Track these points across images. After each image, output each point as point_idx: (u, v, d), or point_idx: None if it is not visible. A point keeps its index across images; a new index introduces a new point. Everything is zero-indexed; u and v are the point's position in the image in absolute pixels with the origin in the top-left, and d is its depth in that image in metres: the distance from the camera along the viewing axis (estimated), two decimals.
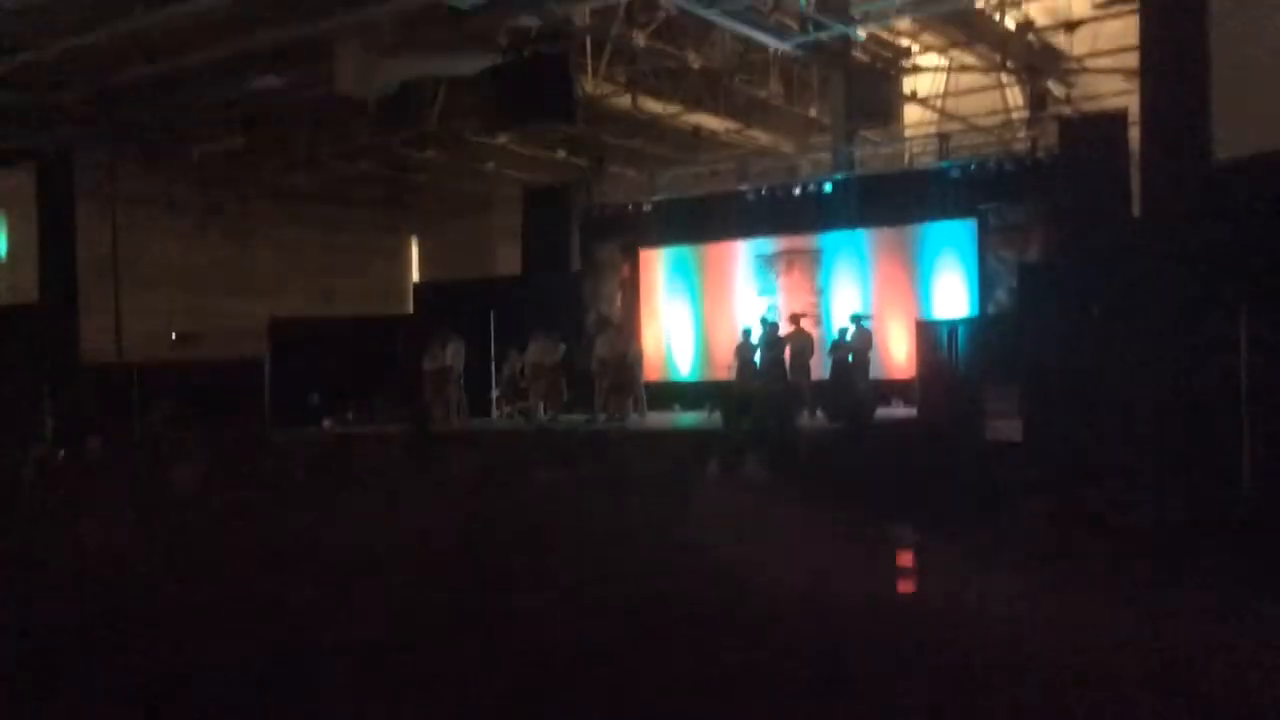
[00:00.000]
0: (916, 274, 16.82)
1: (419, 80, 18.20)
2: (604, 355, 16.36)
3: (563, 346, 16.61)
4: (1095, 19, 18.96)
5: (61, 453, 15.01)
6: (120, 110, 18.57)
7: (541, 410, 16.51)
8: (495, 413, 17.70)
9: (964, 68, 21.98)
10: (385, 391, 17.59)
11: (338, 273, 23.06)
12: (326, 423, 17.35)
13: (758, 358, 15.21)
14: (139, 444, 15.82)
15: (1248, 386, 9.78)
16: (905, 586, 7.75)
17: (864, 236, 17.30)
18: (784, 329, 15.46)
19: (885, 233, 17.19)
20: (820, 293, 17.41)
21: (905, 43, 20.92)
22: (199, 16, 14.70)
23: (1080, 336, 11.44)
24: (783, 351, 15.08)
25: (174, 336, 19.94)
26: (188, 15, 14.67)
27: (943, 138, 18.20)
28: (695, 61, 19.69)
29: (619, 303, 18.86)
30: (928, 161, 17.91)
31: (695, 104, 21.69)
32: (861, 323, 15.20)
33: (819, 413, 15.02)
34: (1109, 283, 11.62)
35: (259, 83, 17.95)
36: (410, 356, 17.41)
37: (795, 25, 17.53)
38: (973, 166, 16.55)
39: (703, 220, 18.49)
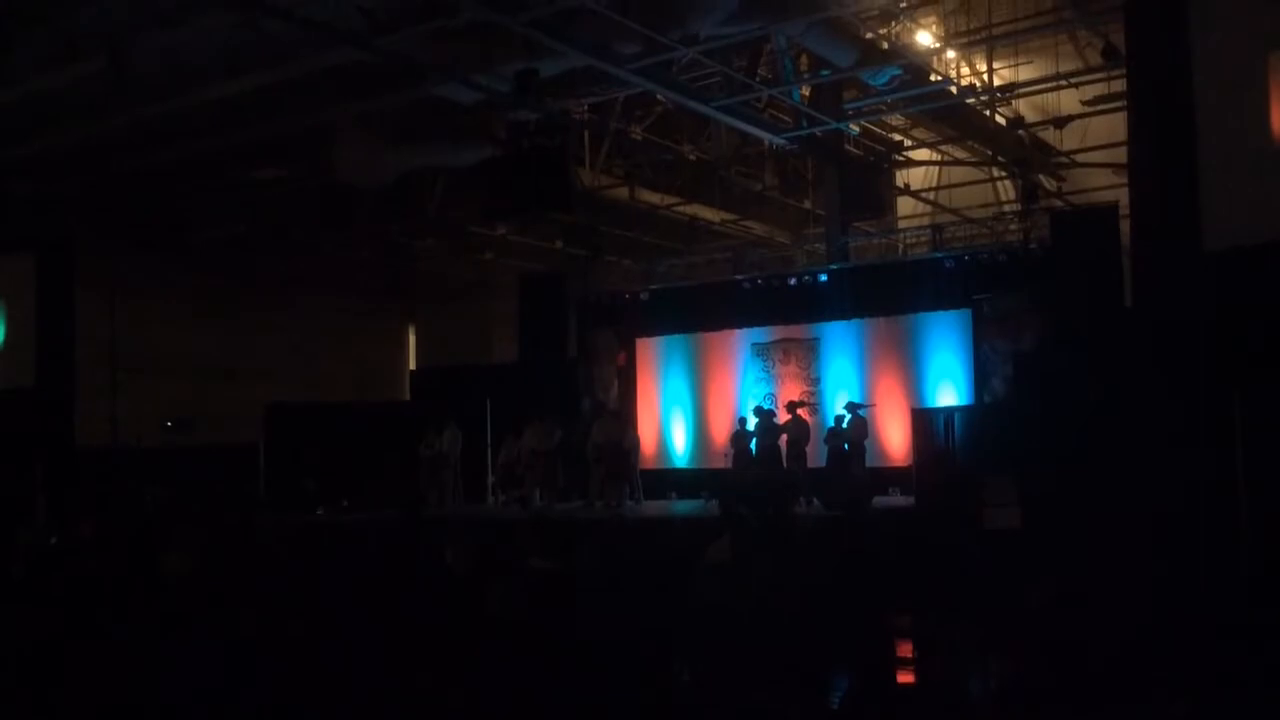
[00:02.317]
0: (912, 363, 16.88)
1: (418, 170, 18.47)
2: (600, 442, 16.35)
3: (559, 433, 16.60)
4: (1084, 115, 19.33)
5: (54, 538, 14.84)
6: (121, 198, 18.79)
7: (537, 496, 16.44)
8: (491, 499, 17.62)
9: (956, 161, 22.40)
10: (381, 478, 17.49)
11: (335, 359, 23.06)
12: (321, 510, 17.23)
13: (754, 445, 15.20)
14: (132, 530, 15.64)
15: (1244, 472, 9.79)
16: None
17: (860, 326, 17.41)
18: (781, 417, 15.48)
19: (880, 322, 17.28)
20: (817, 381, 17.46)
21: (898, 137, 21.36)
22: (200, 107, 14.93)
23: (1075, 424, 11.48)
24: (779, 439, 15.09)
25: (170, 422, 19.86)
26: (190, 106, 14.90)
27: (936, 229, 18.41)
28: (691, 154, 20.09)
29: (615, 390, 18.89)
30: (921, 252, 18.11)
31: (692, 195, 22.02)
32: (858, 411, 15.23)
33: (815, 500, 14.98)
34: (1102, 371, 11.69)
35: (260, 172, 18.21)
36: (407, 443, 17.37)
37: (789, 120, 17.88)
38: (966, 258, 16.71)
39: (699, 309, 18.60)
